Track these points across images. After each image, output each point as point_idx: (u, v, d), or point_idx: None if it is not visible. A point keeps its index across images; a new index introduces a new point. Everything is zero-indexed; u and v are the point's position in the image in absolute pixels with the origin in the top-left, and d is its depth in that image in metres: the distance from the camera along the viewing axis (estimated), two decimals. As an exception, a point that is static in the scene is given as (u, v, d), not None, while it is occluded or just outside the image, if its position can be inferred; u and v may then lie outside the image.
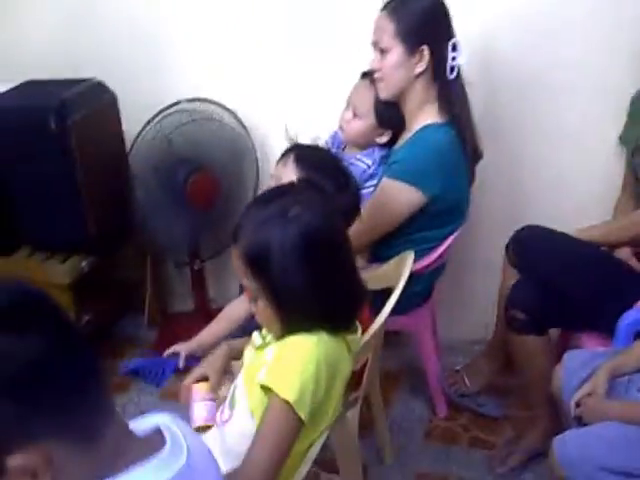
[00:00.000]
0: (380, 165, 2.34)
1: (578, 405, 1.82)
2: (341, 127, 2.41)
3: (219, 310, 2.10)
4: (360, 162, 2.35)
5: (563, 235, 2.24)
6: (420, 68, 2.19)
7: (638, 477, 1.64)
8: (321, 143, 2.04)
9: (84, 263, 2.71)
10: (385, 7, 2.20)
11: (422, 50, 2.17)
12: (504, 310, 2.25)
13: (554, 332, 2.30)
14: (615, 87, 2.46)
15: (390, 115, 2.30)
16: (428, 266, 2.29)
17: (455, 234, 2.32)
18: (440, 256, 2.31)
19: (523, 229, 2.29)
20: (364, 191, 2.21)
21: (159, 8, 2.82)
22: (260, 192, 1.73)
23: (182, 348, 1.93)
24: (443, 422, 2.55)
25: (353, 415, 1.98)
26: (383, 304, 1.90)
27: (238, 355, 1.72)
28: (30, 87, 2.68)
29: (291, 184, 1.59)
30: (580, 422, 1.82)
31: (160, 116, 2.70)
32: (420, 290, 2.35)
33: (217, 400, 1.69)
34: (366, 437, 2.32)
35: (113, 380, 2.77)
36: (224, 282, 2.99)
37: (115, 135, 2.78)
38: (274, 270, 1.39)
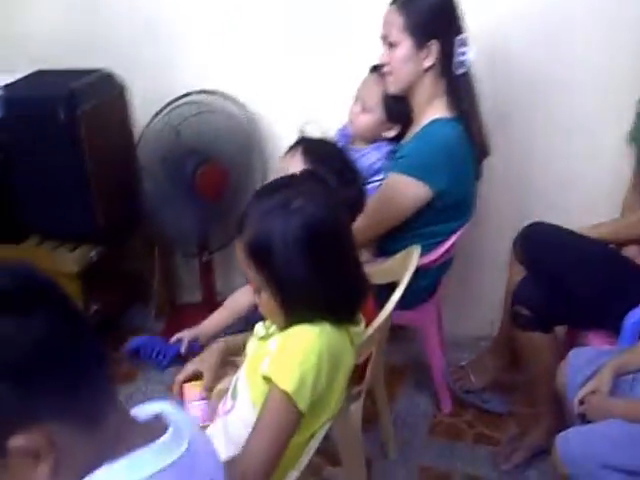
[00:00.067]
0: (387, 159, 2.34)
1: (582, 402, 1.82)
2: (350, 121, 2.41)
3: (226, 302, 2.12)
4: (367, 156, 2.34)
5: (570, 232, 2.23)
6: (429, 62, 2.18)
7: (641, 475, 1.64)
8: (329, 136, 2.04)
9: (93, 252, 2.72)
10: (394, 1, 2.19)
11: (431, 44, 2.16)
12: (510, 306, 2.24)
13: (561, 330, 2.30)
14: (624, 83, 2.45)
15: (398, 109, 2.30)
16: (435, 261, 2.29)
17: (462, 229, 2.31)
18: (447, 251, 2.31)
19: (530, 226, 2.29)
20: (371, 185, 2.21)
21: (169, 0, 2.82)
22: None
23: (185, 335, 1.95)
24: (447, 418, 2.55)
25: (356, 409, 1.98)
26: (389, 298, 1.90)
27: (234, 352, 1.73)
28: (39, 77, 2.69)
29: (294, 176, 1.59)
30: (584, 420, 1.81)
31: (169, 108, 2.71)
32: (426, 285, 2.34)
33: (219, 392, 1.70)
34: (370, 431, 2.32)
35: (120, 369, 2.79)
36: (232, 274, 2.99)
37: (124, 126, 2.79)
38: (276, 262, 1.39)
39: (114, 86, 2.69)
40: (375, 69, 2.34)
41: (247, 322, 1.85)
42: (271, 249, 1.39)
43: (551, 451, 1.80)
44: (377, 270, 2.09)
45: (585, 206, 2.57)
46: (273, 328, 1.53)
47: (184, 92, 2.73)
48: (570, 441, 1.74)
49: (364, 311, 1.67)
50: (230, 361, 1.76)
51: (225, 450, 1.44)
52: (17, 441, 0.87)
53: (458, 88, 2.21)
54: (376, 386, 2.26)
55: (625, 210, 2.39)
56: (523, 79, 2.54)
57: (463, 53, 2.17)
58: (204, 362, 1.74)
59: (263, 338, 1.55)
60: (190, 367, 1.74)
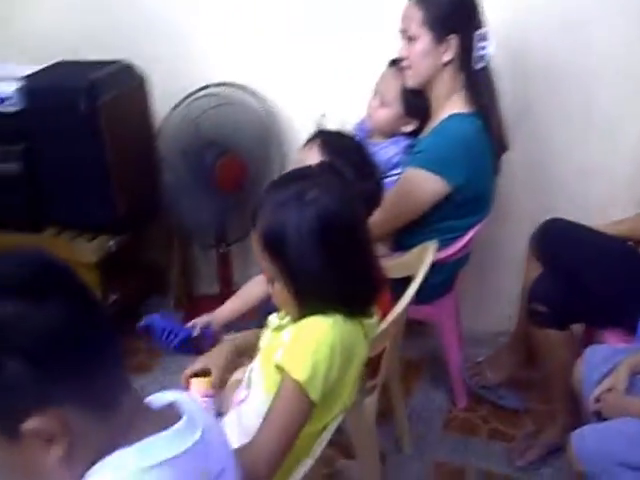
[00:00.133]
0: (405, 154, 2.33)
1: (598, 400, 1.81)
2: (368, 115, 2.41)
3: (244, 294, 2.13)
4: (385, 150, 2.34)
5: (588, 229, 2.22)
6: (447, 57, 2.18)
7: (657, 473, 1.63)
8: (348, 130, 2.04)
9: (112, 242, 2.73)
10: (414, -6, 2.19)
11: (450, 39, 2.16)
12: (526, 303, 2.23)
13: (577, 327, 2.29)
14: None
15: (417, 104, 2.30)
16: (452, 256, 2.29)
17: (480, 224, 2.31)
18: (464, 246, 2.30)
19: (548, 222, 2.28)
20: (388, 179, 2.21)
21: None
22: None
23: (198, 320, 1.98)
24: (463, 413, 2.55)
25: (371, 402, 1.98)
26: (405, 292, 1.90)
27: (243, 352, 1.73)
28: (60, 68, 2.71)
29: (310, 167, 1.59)
30: (599, 417, 1.81)
31: (188, 100, 2.73)
32: (443, 280, 2.34)
33: (233, 383, 1.70)
34: (385, 425, 2.33)
35: (137, 359, 2.81)
36: (249, 266, 3.00)
37: (144, 117, 2.80)
38: (290, 253, 1.40)
39: (134, 77, 2.71)
40: (394, 63, 2.33)
41: (260, 313, 1.86)
42: (285, 240, 1.39)
43: (566, 448, 1.79)
44: (394, 264, 2.10)
45: (605, 199, 2.56)
46: (287, 319, 1.53)
47: (203, 84, 2.74)
48: (586, 438, 1.74)
49: (380, 304, 1.67)
50: (244, 353, 1.77)
51: (239, 439, 1.44)
52: (31, 424, 0.88)
53: (477, 83, 2.20)
54: (391, 380, 2.26)
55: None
56: (542, 73, 2.52)
57: (482, 47, 2.16)
58: (213, 360, 1.75)
59: (277, 329, 1.56)
60: (199, 363, 1.75)
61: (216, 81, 2.76)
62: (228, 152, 2.73)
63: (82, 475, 0.93)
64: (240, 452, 1.18)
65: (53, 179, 2.67)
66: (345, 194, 1.46)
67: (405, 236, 2.27)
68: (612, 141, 2.55)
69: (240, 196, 2.78)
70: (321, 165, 1.63)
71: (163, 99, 2.78)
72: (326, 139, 1.89)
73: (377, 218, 1.84)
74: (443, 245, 2.20)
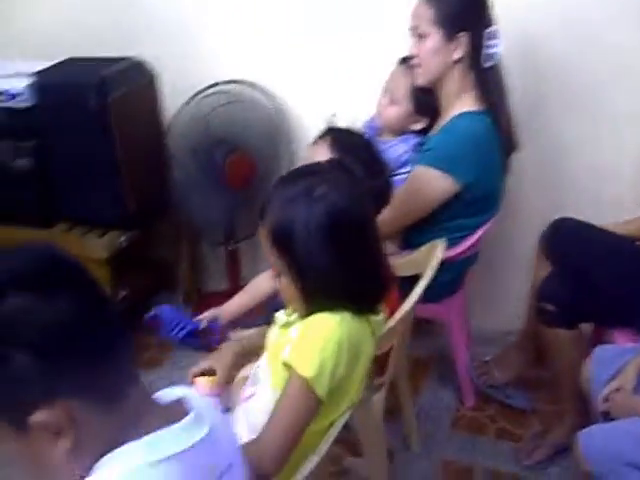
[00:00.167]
0: (414, 152, 2.33)
1: (606, 400, 1.80)
2: (378, 113, 2.41)
3: (253, 291, 2.14)
4: (395, 148, 2.34)
5: (598, 228, 2.21)
6: (458, 55, 2.18)
7: (664, 474, 1.62)
8: (357, 128, 2.04)
9: (122, 239, 2.74)
10: (424, -8, 2.19)
11: (460, 37, 2.15)
12: (535, 302, 2.23)
13: (586, 326, 2.28)
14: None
15: (426, 102, 2.30)
16: (461, 254, 2.28)
17: (489, 223, 2.31)
18: (473, 245, 2.30)
19: (558, 221, 2.27)
20: (397, 177, 2.21)
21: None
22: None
23: (205, 314, 2.00)
24: (470, 412, 2.54)
25: (378, 399, 1.98)
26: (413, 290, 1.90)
27: (249, 352, 1.73)
28: (71, 65, 2.72)
29: (320, 164, 1.59)
30: (607, 417, 1.80)
31: (197, 98, 2.73)
32: (451, 278, 2.33)
33: (240, 380, 1.71)
34: (393, 423, 2.33)
35: (147, 355, 2.83)
36: (258, 263, 3.00)
37: (154, 114, 2.81)
38: (298, 249, 1.40)
39: (144, 74, 2.72)
40: (404, 61, 2.33)
41: (267, 309, 1.86)
42: (293, 235, 1.39)
43: (573, 448, 1.79)
44: (402, 262, 2.10)
45: (616, 199, 2.54)
46: (294, 316, 1.53)
47: (213, 82, 2.75)
48: (593, 438, 1.73)
49: (388, 302, 1.67)
50: (250, 354, 1.77)
51: (246, 435, 1.45)
52: (39, 417, 0.89)
53: (487, 81, 2.20)
54: (399, 378, 2.26)
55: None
56: (553, 71, 2.51)
57: (492, 46, 2.16)
58: (219, 360, 1.75)
59: (284, 326, 1.56)
60: (205, 363, 1.75)
61: (226, 79, 2.76)
62: (237, 149, 2.73)
63: (89, 468, 0.94)
64: (247, 448, 1.18)
65: (64, 175, 2.68)
66: (354, 191, 1.46)
67: (414, 234, 2.27)
68: (622, 139, 2.54)
69: (249, 193, 2.79)
70: (330, 162, 1.63)
71: (173, 96, 2.78)
72: (336, 136, 1.89)
73: (386, 216, 1.84)
74: (452, 243, 2.19)
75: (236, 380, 1.76)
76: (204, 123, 2.73)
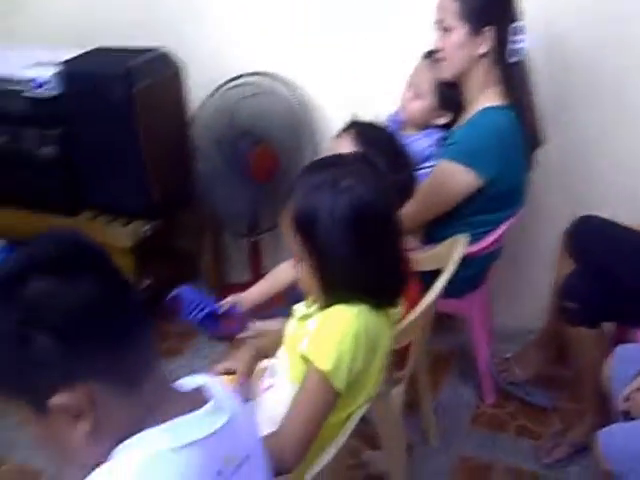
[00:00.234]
0: (438, 146, 2.32)
1: (627, 399, 1.79)
2: (402, 107, 2.40)
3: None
4: (418, 142, 2.33)
5: (622, 226, 2.19)
6: (483, 49, 2.16)
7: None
8: (381, 121, 2.04)
9: (146, 228, 2.75)
10: (451, -14, 2.17)
11: (486, 31, 2.14)
12: (557, 300, 2.21)
13: (610, 325, 2.26)
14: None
15: (451, 96, 2.29)
16: (483, 249, 2.27)
17: (512, 219, 2.29)
18: (496, 240, 2.29)
19: (581, 219, 2.26)
20: (421, 172, 2.20)
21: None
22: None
23: (227, 300, 2.01)
24: (490, 409, 2.53)
25: (398, 393, 1.99)
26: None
27: (267, 352, 1.73)
28: (98, 54, 2.73)
29: (346, 155, 1.59)
30: (627, 416, 1.78)
31: (222, 90, 2.74)
32: (474, 274, 2.33)
33: (258, 371, 1.71)
34: (412, 417, 2.32)
35: (168, 343, 2.85)
36: (280, 255, 3.00)
37: (178, 106, 2.81)
38: (320, 237, 1.40)
39: (170, 66, 2.72)
40: (428, 55, 2.32)
41: (287, 300, 1.87)
42: (316, 224, 1.40)
43: (593, 447, 1.78)
44: (424, 256, 2.09)
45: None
46: (313, 308, 1.54)
47: (237, 74, 2.75)
48: (613, 437, 1.72)
49: (409, 297, 1.67)
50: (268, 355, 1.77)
51: (264, 427, 1.45)
52: (59, 399, 0.90)
53: (512, 76, 2.19)
54: (419, 372, 2.25)
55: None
56: (579, 67, 2.49)
57: (518, 41, 2.14)
58: (238, 361, 1.76)
59: (302, 318, 1.56)
60: (224, 365, 1.76)
61: (250, 71, 2.77)
62: (261, 142, 2.74)
63: (108, 452, 0.94)
64: (266, 440, 1.19)
65: (89, 163, 2.70)
66: (379, 185, 1.46)
67: (437, 229, 2.26)
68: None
69: (272, 185, 2.80)
70: (356, 155, 1.63)
71: (197, 88, 2.79)
72: (360, 130, 1.89)
73: (409, 210, 1.84)
74: (475, 239, 2.18)
75: (255, 371, 1.77)
76: (228, 115, 2.74)
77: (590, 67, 2.48)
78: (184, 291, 2.00)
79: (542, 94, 2.28)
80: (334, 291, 1.45)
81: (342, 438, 1.45)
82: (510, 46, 2.16)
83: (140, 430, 0.94)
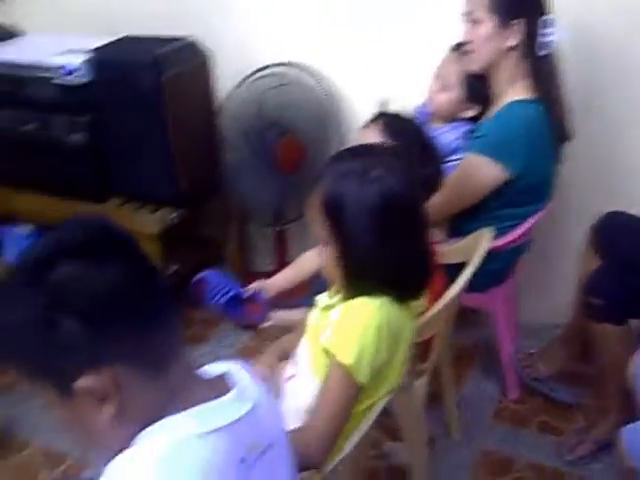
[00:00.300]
0: (465, 139, 2.31)
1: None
2: (428, 99, 2.39)
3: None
4: (445, 135, 2.32)
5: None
6: (512, 42, 2.14)
7: None
8: (408, 113, 2.03)
9: (173, 215, 2.76)
10: (480, -23, 2.16)
11: (515, 24, 2.12)
12: (582, 295, 2.20)
13: (636, 322, 2.24)
14: None
15: (479, 89, 2.27)
16: (510, 243, 2.26)
17: (540, 213, 2.27)
18: (523, 234, 2.27)
19: (608, 214, 2.24)
20: (447, 164, 2.18)
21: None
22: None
23: (252, 285, 2.02)
24: (513, 404, 2.52)
25: (420, 386, 1.98)
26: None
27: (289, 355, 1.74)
28: (127, 42, 2.75)
29: (377, 146, 1.60)
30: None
31: (249, 80, 2.75)
32: (499, 268, 2.31)
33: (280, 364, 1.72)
34: (435, 410, 2.32)
35: (192, 331, 2.88)
36: (305, 245, 3.00)
37: (206, 95, 2.81)
38: (346, 225, 1.41)
39: (198, 55, 2.72)
40: (456, 48, 2.31)
41: (311, 289, 1.87)
42: (343, 210, 1.40)
43: (616, 444, 1.77)
44: (450, 249, 2.09)
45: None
46: (335, 299, 1.54)
47: (264, 64, 2.76)
48: (637, 434, 1.71)
49: (433, 289, 1.67)
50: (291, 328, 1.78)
51: (287, 416, 1.46)
52: (84, 382, 0.91)
53: (540, 70, 2.17)
54: (442, 366, 2.25)
55: None
56: (609, 61, 2.45)
57: (547, 34, 2.12)
58: (263, 363, 1.77)
59: (325, 309, 1.56)
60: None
61: (277, 61, 2.77)
62: (288, 132, 2.74)
63: (132, 437, 0.95)
64: (292, 435, 1.19)
65: (118, 151, 2.72)
66: (407, 178, 1.46)
67: (464, 222, 2.25)
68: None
69: (299, 176, 2.80)
70: (385, 146, 1.63)
71: (225, 78, 2.80)
72: (388, 121, 1.89)
73: (435, 202, 1.83)
74: (501, 232, 2.18)
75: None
76: (255, 106, 2.75)
77: (619, 61, 2.45)
78: (210, 274, 2.00)
79: (570, 88, 2.25)
80: (357, 280, 1.45)
81: (364, 428, 1.46)
82: (539, 39, 2.14)
83: (164, 416, 0.95)
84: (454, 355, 2.42)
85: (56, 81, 2.66)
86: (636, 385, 1.86)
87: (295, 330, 1.78)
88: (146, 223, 2.71)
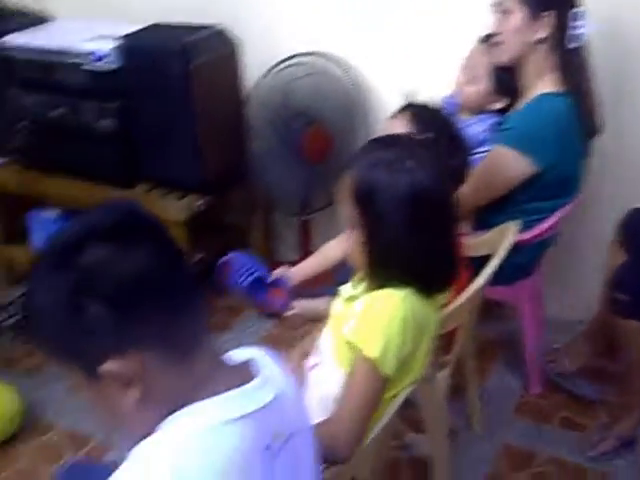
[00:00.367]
0: (492, 131, 2.29)
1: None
2: (456, 91, 2.37)
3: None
4: (472, 127, 2.30)
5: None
6: (541, 34, 2.12)
7: None
8: (436, 103, 2.02)
9: (200, 202, 2.76)
10: (510, -32, 2.13)
11: (545, 16, 2.10)
12: (608, 291, 2.18)
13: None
14: None
15: (507, 82, 2.25)
16: (536, 237, 2.24)
17: (567, 207, 2.25)
18: (550, 228, 2.25)
19: (634, 210, 2.21)
20: (474, 157, 2.17)
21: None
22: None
23: (276, 271, 2.02)
24: (535, 399, 2.51)
25: (443, 377, 1.98)
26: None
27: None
28: (156, 30, 2.75)
29: (411, 137, 1.59)
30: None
31: (276, 69, 2.74)
32: (524, 262, 2.29)
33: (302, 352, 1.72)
34: (457, 403, 2.32)
35: (216, 318, 2.88)
36: (330, 234, 3.00)
37: (234, 84, 2.82)
38: (375, 212, 1.41)
39: (226, 43, 2.72)
40: (485, 39, 2.29)
41: (335, 278, 1.87)
42: (374, 198, 1.40)
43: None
44: (475, 242, 2.08)
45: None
46: (359, 289, 1.54)
47: (291, 54, 2.75)
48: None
49: (458, 282, 1.66)
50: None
51: (311, 406, 1.46)
52: (109, 366, 0.91)
53: (570, 62, 2.14)
54: (465, 358, 2.25)
55: None
56: (639, 53, 2.42)
57: (578, 27, 2.09)
58: (290, 361, 1.76)
59: (349, 299, 1.56)
60: None
61: (303, 51, 2.76)
62: (315, 122, 2.74)
63: (157, 423, 0.95)
64: (318, 428, 1.18)
65: (146, 137, 2.73)
66: (440, 171, 1.45)
67: (490, 215, 2.23)
68: None
69: (325, 166, 2.80)
70: (422, 138, 1.62)
71: (253, 67, 2.80)
72: (416, 111, 1.88)
73: (460, 193, 1.82)
74: (527, 226, 2.16)
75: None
76: (282, 95, 2.75)
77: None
78: (236, 256, 2.01)
79: (600, 80, 2.23)
80: (381, 268, 1.45)
81: (386, 418, 1.46)
82: (570, 32, 2.11)
83: (190, 401, 0.95)
84: (478, 348, 2.41)
85: (86, 67, 2.68)
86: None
87: (318, 321, 1.78)
88: (173, 210, 2.72)
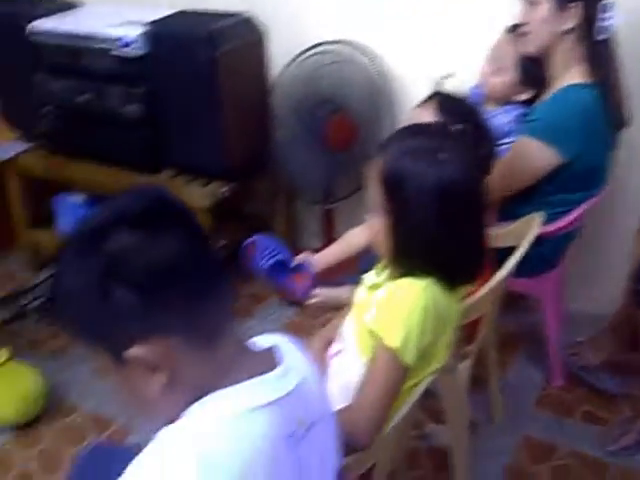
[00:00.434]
0: (517, 122, 2.27)
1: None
2: (482, 81, 2.36)
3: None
4: (498, 117, 2.28)
5: None
6: (569, 25, 2.10)
7: None
8: (462, 93, 2.01)
9: (224, 189, 2.77)
10: (538, -42, 2.11)
11: (572, 7, 2.07)
12: (632, 284, 2.16)
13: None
14: None
15: (534, 72, 2.23)
16: (561, 229, 2.22)
17: (593, 200, 2.23)
18: (575, 220, 2.24)
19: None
20: (500, 147, 2.16)
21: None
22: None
23: (299, 256, 2.03)
24: (557, 392, 2.49)
25: (464, 368, 1.98)
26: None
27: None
28: (183, 16, 2.77)
29: (448, 129, 1.59)
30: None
31: (301, 57, 2.74)
32: (548, 254, 2.28)
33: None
34: (479, 395, 2.31)
35: (237, 305, 2.89)
36: (354, 223, 3.00)
37: (260, 71, 2.82)
38: (403, 200, 1.40)
39: (253, 31, 2.73)
40: (512, 29, 2.27)
41: (358, 265, 1.86)
42: (403, 186, 1.39)
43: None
44: (500, 233, 2.06)
45: None
46: (382, 277, 1.54)
47: (317, 42, 2.75)
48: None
49: (481, 273, 1.65)
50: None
51: (334, 393, 1.46)
52: (135, 351, 0.92)
53: (598, 54, 2.12)
54: (487, 349, 2.24)
55: None
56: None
57: (606, 18, 2.07)
58: (312, 348, 1.75)
59: (372, 287, 1.56)
60: None
61: (329, 39, 2.76)
62: (339, 110, 2.73)
63: (183, 409, 0.96)
64: (339, 415, 1.19)
65: (172, 123, 2.74)
66: (469, 164, 1.44)
67: (516, 206, 2.21)
68: None
69: (349, 155, 2.80)
70: (456, 130, 1.61)
71: (279, 54, 2.80)
72: (442, 101, 1.87)
73: (487, 185, 1.81)
74: (552, 218, 2.15)
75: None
76: (307, 83, 2.75)
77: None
78: (260, 238, 2.01)
79: (628, 72, 2.20)
80: (405, 257, 1.44)
81: (406, 407, 1.46)
82: (598, 23, 2.09)
83: (215, 388, 0.95)
84: (500, 340, 2.40)
85: (113, 52, 2.70)
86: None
87: (341, 309, 1.78)
88: (197, 196, 2.74)
